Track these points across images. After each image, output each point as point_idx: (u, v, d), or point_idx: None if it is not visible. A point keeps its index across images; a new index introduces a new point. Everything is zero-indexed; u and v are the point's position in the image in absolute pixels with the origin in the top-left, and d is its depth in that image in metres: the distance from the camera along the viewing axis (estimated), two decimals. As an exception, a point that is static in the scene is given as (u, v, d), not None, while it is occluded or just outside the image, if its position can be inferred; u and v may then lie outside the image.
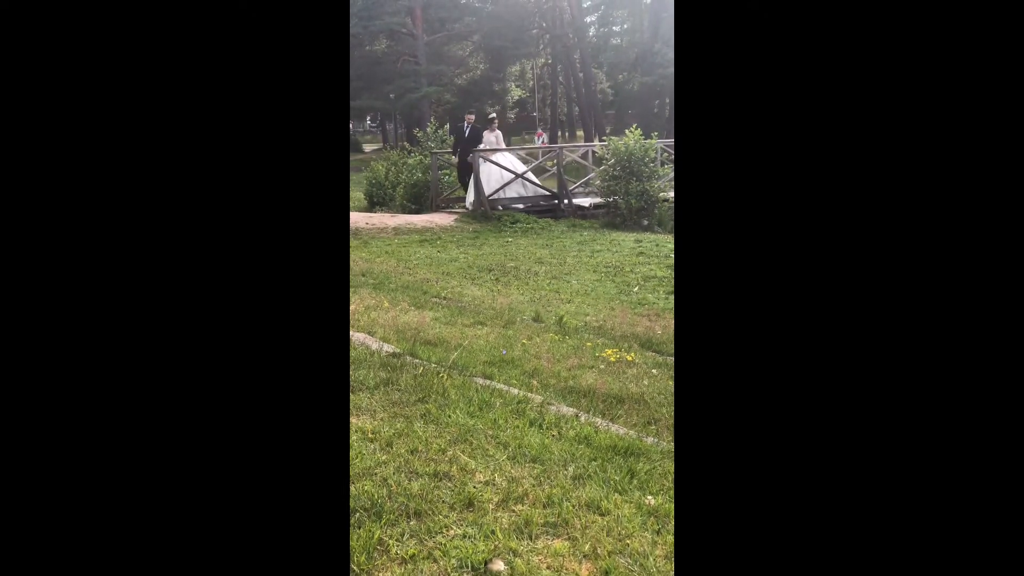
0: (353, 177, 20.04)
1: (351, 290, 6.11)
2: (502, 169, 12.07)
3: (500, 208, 11.81)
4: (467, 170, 12.23)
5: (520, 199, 12.10)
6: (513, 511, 2.17)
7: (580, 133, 35.64)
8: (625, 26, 35.55)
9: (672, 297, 6.81)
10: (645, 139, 11.84)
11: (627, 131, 11.98)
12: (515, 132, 40.04)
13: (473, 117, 12.71)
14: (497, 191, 12.16)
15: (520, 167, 12.33)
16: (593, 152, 13.35)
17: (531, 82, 38.82)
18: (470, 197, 12.09)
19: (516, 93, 37.28)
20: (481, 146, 12.08)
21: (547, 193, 12.31)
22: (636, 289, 7.23)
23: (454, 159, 12.59)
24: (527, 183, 12.28)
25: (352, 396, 3.03)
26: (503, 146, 12.30)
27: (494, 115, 13.01)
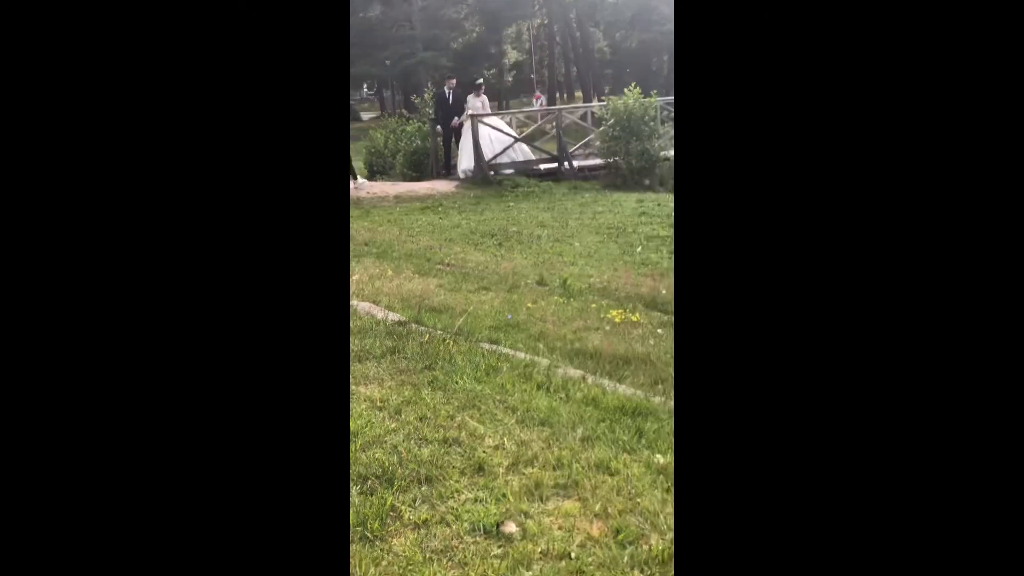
0: (352, 146, 19.85)
1: (355, 260, 6.10)
2: (499, 133, 11.98)
3: (493, 174, 11.74)
4: (452, 137, 12.11)
5: (511, 164, 12.00)
6: (523, 474, 2.19)
7: (579, 94, 35.26)
8: (621, -17, 35.04)
9: (675, 256, 6.79)
10: (644, 98, 11.71)
11: (626, 90, 11.85)
12: (513, 95, 39.48)
13: (455, 82, 12.56)
14: (498, 155, 12.08)
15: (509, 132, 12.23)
16: (592, 113, 13.23)
17: (528, 44, 38.28)
18: (463, 164, 11.99)
19: (513, 56, 36.80)
20: (467, 111, 11.95)
21: (534, 158, 12.23)
22: (639, 249, 7.21)
23: (438, 128, 12.44)
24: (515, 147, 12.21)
25: (359, 365, 3.04)
26: (488, 111, 12.13)
27: (481, 80, 12.80)
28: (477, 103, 12.11)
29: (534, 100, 25.63)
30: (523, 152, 12.24)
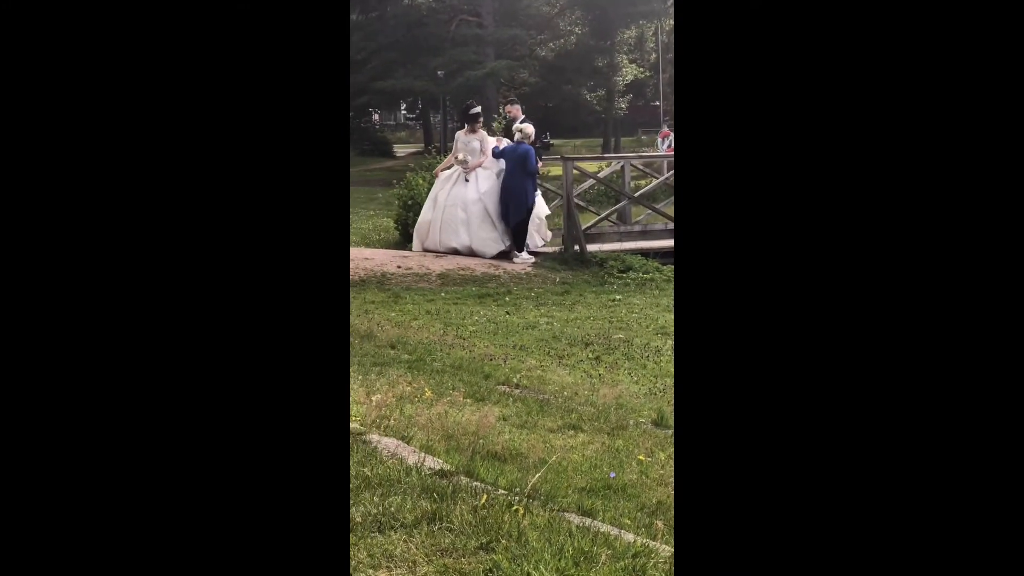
0: (379, 195, 20.27)
1: (377, 369, 6.18)
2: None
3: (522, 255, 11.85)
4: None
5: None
6: None
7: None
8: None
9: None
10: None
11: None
12: (627, 130, 39.93)
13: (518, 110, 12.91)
14: (593, 226, 12.20)
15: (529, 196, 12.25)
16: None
17: (654, 55, 39.07)
18: (535, 240, 12.18)
19: (630, 72, 37.49)
20: (459, 155, 12.13)
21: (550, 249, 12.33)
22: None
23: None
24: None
25: (380, 537, 3.04)
26: (488, 156, 12.28)
27: (478, 109, 12.87)
28: (474, 142, 12.31)
29: (659, 140, 26.03)
30: (543, 234, 12.34)
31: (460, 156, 12.22)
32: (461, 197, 12.13)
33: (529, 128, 12.29)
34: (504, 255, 11.94)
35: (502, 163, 12.12)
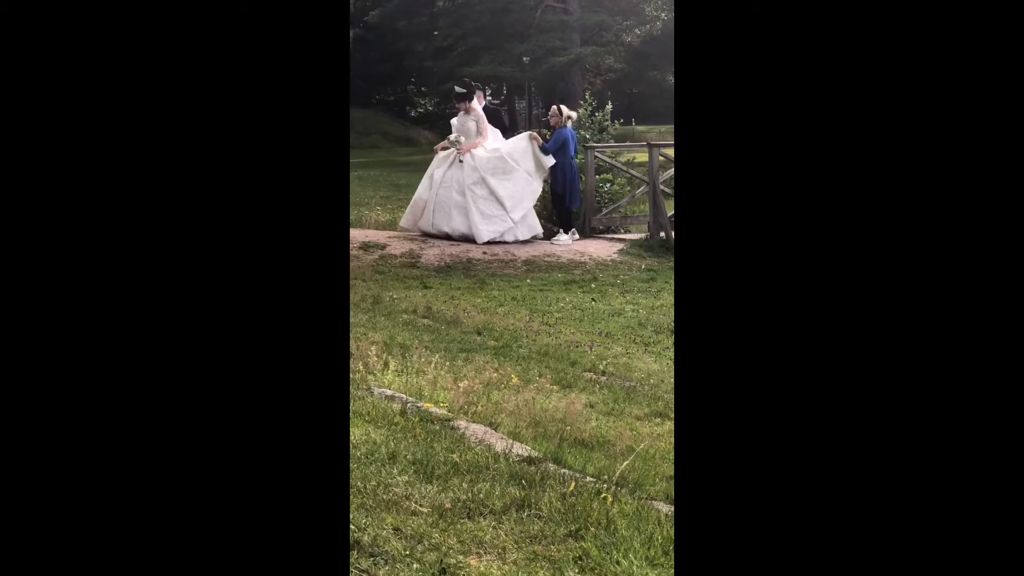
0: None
1: (463, 355, 6.20)
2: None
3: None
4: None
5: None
6: None
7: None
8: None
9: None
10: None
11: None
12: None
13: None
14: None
15: (520, 182, 11.81)
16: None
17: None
18: (481, 226, 11.68)
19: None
20: (455, 136, 11.74)
21: (525, 238, 11.92)
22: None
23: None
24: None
25: (469, 523, 3.05)
26: (486, 137, 11.90)
27: (466, 90, 12.25)
28: (469, 123, 11.87)
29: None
30: (529, 227, 11.94)
31: (452, 137, 11.81)
32: (457, 179, 11.70)
33: (575, 114, 12.46)
34: (496, 241, 11.64)
35: (499, 145, 11.99)
